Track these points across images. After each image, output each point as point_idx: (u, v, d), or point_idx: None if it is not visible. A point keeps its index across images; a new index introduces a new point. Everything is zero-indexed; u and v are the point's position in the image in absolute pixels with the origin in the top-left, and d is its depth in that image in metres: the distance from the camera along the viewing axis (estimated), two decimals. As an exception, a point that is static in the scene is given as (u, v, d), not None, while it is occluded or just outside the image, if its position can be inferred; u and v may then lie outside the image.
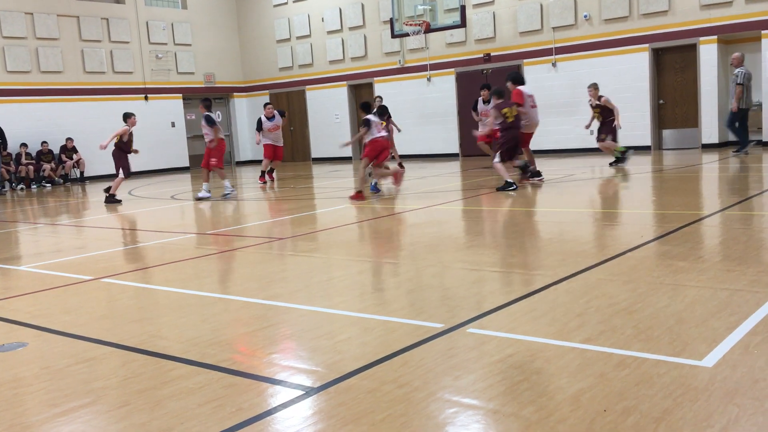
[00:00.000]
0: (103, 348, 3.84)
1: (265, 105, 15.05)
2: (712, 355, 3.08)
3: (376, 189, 11.29)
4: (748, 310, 3.68)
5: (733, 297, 3.97)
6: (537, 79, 17.93)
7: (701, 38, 15.64)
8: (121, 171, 12.77)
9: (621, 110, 15.83)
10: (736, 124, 13.91)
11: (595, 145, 16.94)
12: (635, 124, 16.21)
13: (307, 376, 3.22)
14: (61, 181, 19.40)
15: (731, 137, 16.12)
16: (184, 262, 6.45)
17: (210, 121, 12.42)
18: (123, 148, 12.71)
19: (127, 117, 12.68)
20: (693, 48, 15.88)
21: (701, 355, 3.09)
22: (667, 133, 16.82)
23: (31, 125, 19.18)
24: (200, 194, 12.50)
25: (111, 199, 12.78)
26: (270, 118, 14.86)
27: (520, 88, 11.08)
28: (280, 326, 4.12)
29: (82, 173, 19.81)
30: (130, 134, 12.72)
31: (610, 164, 13.22)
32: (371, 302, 4.55)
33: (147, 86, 21.88)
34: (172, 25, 22.54)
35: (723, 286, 4.22)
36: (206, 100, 12.91)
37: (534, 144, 17.67)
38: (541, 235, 6.87)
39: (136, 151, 13.02)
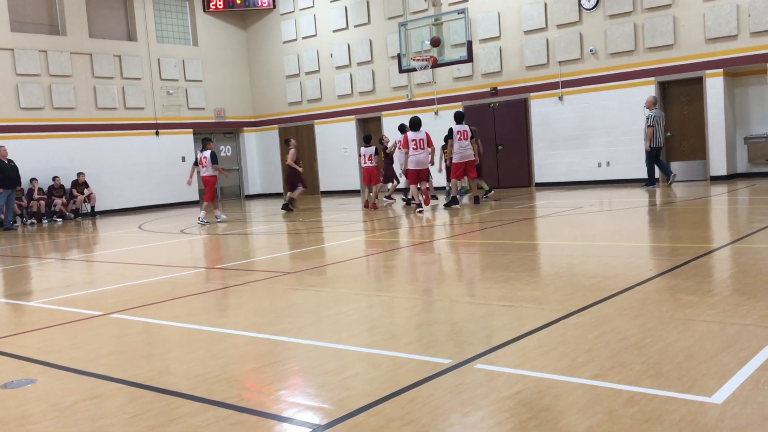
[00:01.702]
0: (111, 384, 3.84)
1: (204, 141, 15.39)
2: (721, 391, 3.06)
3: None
4: (758, 345, 3.65)
5: (742, 332, 3.94)
6: (544, 112, 18.06)
7: (707, 71, 15.74)
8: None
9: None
10: (651, 162, 15.19)
11: (605, 176, 17.00)
12: (644, 157, 16.22)
13: (314, 413, 3.21)
14: (72, 216, 19.56)
15: (739, 169, 16.15)
16: (192, 297, 6.47)
17: (215, 159, 14.47)
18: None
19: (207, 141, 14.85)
20: (699, 81, 15.97)
21: (711, 392, 3.06)
22: (675, 166, 16.83)
23: (43, 160, 19.41)
24: (220, 218, 14.55)
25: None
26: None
27: (457, 127, 13.66)
28: (287, 362, 4.11)
29: (93, 208, 19.97)
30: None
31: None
32: (379, 337, 4.54)
33: (158, 121, 22.15)
34: (183, 61, 22.89)
35: (732, 321, 4.19)
36: (210, 139, 15.02)
37: (543, 176, 17.84)
38: (550, 268, 6.86)
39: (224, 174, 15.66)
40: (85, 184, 19.83)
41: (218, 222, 14.44)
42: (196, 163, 15.03)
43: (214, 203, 14.98)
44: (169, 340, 4.93)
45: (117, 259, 10.05)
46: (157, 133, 22.05)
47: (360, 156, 15.42)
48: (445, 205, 14.15)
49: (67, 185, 19.70)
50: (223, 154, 24.55)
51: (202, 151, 14.78)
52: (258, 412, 3.27)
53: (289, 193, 16.57)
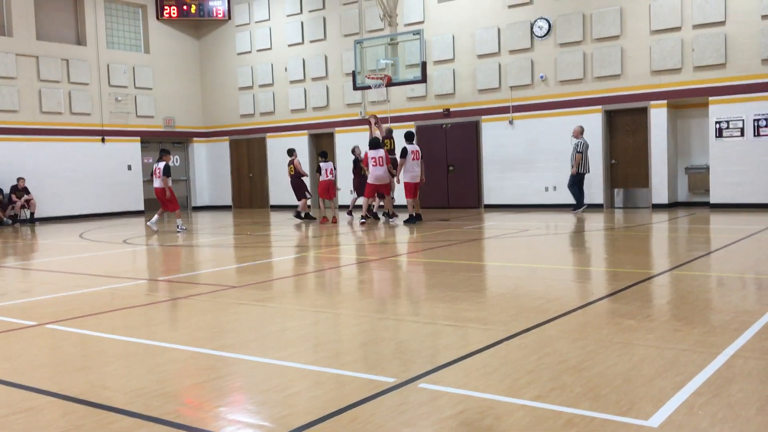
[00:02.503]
0: (44, 398, 3.70)
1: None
2: (657, 415, 3.12)
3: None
4: (694, 371, 3.75)
5: (679, 357, 4.04)
6: (495, 135, 18.34)
7: (652, 102, 16.25)
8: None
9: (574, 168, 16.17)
10: (576, 186, 15.83)
11: (552, 200, 17.32)
12: (589, 182, 16.62)
13: (254, 430, 3.16)
14: (10, 222, 18.92)
15: (680, 197, 16.67)
16: (132, 309, 6.31)
17: (168, 172, 14.47)
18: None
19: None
20: (644, 111, 16.47)
21: (647, 415, 3.12)
22: (618, 193, 17.28)
23: (-18, 163, 18.75)
24: (180, 228, 14.57)
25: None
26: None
27: (410, 146, 14.60)
28: (229, 378, 4.04)
29: (32, 214, 19.35)
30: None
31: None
32: (324, 354, 4.50)
33: (105, 128, 21.66)
34: (133, 68, 22.49)
35: (670, 346, 4.30)
36: (168, 151, 14.93)
37: (492, 198, 18.14)
38: (496, 289, 6.93)
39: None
40: (26, 190, 19.22)
41: (177, 232, 14.41)
42: (152, 173, 14.88)
43: (178, 212, 14.92)
44: (106, 352, 4.79)
45: (55, 268, 9.75)
46: (103, 140, 21.56)
47: (321, 171, 15.80)
48: (405, 221, 14.79)
49: (6, 190, 19.07)
50: (170, 163, 24.12)
51: (157, 161, 14.67)
52: (196, 429, 3.19)
53: (300, 202, 16.59)
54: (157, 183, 14.47)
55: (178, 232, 14.38)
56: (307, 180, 17.78)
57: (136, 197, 22.44)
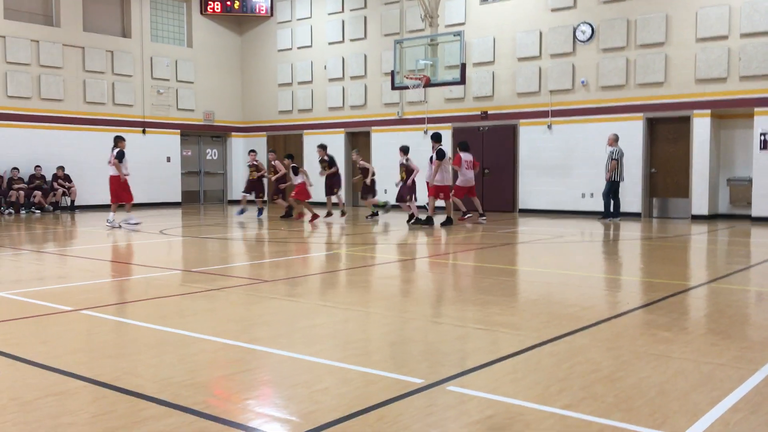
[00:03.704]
0: (76, 382, 3.76)
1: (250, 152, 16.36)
2: (692, 430, 3.04)
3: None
4: (731, 386, 3.65)
5: (715, 371, 3.94)
6: (532, 139, 18.16)
7: (695, 111, 15.93)
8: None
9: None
10: (610, 195, 15.57)
11: (588, 207, 17.10)
12: (626, 191, 16.36)
13: (281, 424, 3.16)
14: (51, 208, 19.32)
15: (721, 209, 16.33)
16: (166, 298, 6.38)
17: (121, 157, 13.83)
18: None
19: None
20: (687, 120, 16.15)
21: (681, 430, 3.04)
22: (657, 202, 16.98)
23: (26, 150, 19.18)
24: (133, 222, 14.09)
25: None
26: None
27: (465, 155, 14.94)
28: (258, 371, 4.05)
29: (72, 201, 19.74)
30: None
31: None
32: (352, 352, 4.49)
33: (146, 120, 22.01)
34: (176, 62, 22.80)
35: (706, 360, 4.19)
36: (122, 137, 14.36)
37: (527, 203, 18.00)
38: (528, 294, 6.86)
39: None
40: (67, 178, 19.62)
41: (122, 226, 13.74)
42: (109, 161, 14.15)
43: (125, 206, 14.27)
44: (138, 340, 4.85)
45: (93, 255, 9.92)
46: (144, 132, 21.89)
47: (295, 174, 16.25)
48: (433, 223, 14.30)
49: (49, 177, 19.48)
50: (209, 157, 24.43)
51: (113, 149, 13.98)
52: (223, 420, 3.21)
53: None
54: (112, 171, 13.84)
55: (113, 226, 13.64)
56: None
57: (174, 189, 22.75)
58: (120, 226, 13.77)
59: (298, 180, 16.02)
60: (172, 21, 23.16)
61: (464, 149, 15.09)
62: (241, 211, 17.14)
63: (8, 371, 3.97)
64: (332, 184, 16.45)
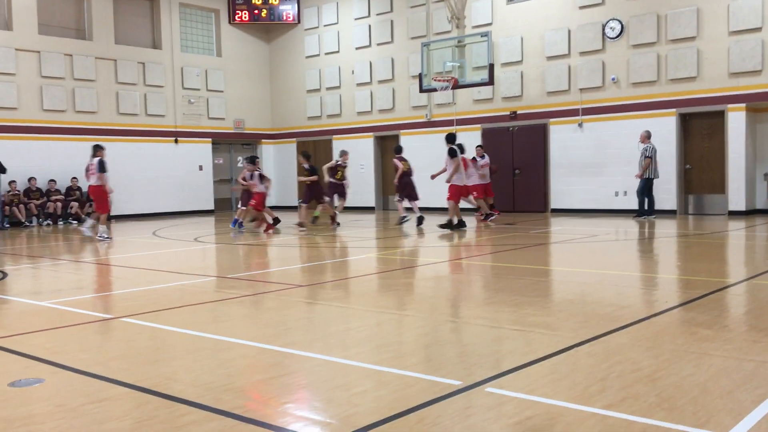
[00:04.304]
0: (118, 388, 3.82)
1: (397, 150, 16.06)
2: (737, 428, 2.99)
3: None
4: (776, 384, 3.58)
5: (759, 369, 3.87)
6: (563, 138, 18.01)
7: (729, 105, 15.65)
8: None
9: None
10: (645, 194, 15.36)
11: (622, 206, 16.90)
12: (660, 188, 16.12)
13: (320, 428, 3.18)
14: (87, 218, 19.64)
15: (758, 205, 16.00)
16: (202, 305, 6.46)
17: (103, 167, 13.39)
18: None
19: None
20: (721, 115, 15.88)
21: (726, 428, 2.99)
22: (693, 199, 16.71)
23: (63, 163, 19.56)
24: (103, 236, 13.39)
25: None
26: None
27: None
28: (295, 375, 4.08)
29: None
30: None
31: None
32: (388, 355, 4.49)
33: (178, 129, 22.31)
34: (206, 71, 23.09)
35: (749, 357, 4.12)
36: (101, 146, 13.85)
37: (559, 202, 17.84)
38: (563, 294, 6.80)
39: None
40: (103, 188, 19.94)
41: (98, 240, 13.29)
42: (87, 170, 13.73)
43: (102, 218, 13.74)
44: (177, 346, 4.92)
45: (129, 264, 10.08)
46: (176, 141, 22.20)
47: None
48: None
49: (84, 188, 19.82)
50: (240, 165, 24.65)
51: (91, 158, 13.55)
52: (264, 423, 3.23)
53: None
54: (92, 180, 13.45)
55: (105, 238, 13.36)
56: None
57: (207, 197, 23.02)
58: (111, 238, 13.65)
59: (260, 188, 15.13)
60: (201, 31, 23.46)
61: (398, 152, 15.63)
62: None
63: (53, 379, 4.05)
64: (313, 193, 15.46)
